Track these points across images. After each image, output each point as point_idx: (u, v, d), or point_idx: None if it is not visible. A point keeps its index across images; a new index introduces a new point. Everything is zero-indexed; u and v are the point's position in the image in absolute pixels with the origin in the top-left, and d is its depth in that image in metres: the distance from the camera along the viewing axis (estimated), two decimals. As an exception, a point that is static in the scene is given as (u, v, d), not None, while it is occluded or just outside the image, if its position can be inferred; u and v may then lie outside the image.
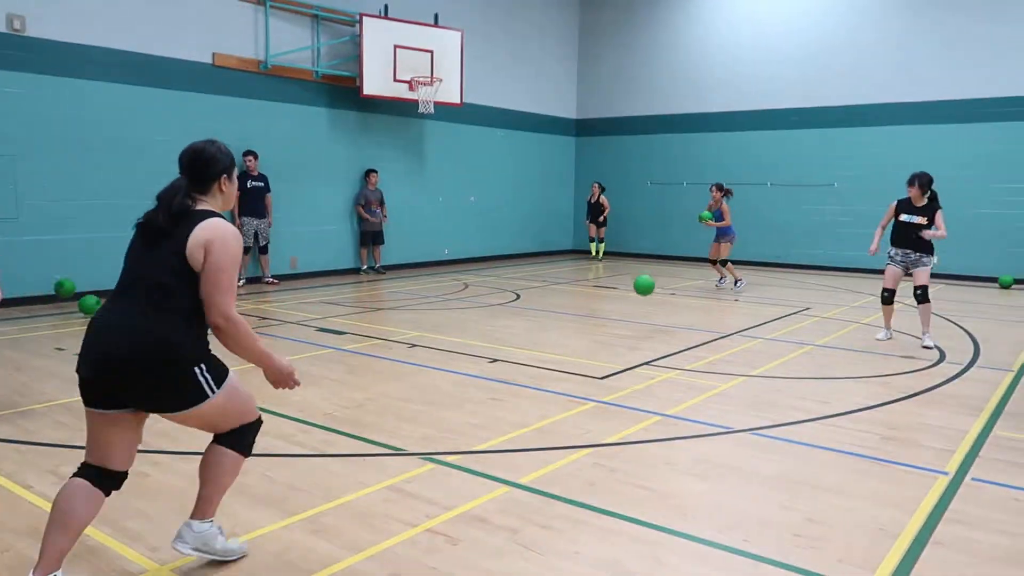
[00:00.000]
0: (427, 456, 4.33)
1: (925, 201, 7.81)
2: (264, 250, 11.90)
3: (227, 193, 2.96)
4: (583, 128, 18.74)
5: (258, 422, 3.03)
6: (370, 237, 13.52)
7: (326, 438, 4.64)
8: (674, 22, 17.02)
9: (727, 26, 16.31)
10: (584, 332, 8.31)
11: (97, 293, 10.08)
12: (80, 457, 4.23)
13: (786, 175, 15.73)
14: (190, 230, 2.74)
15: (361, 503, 3.66)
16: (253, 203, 11.54)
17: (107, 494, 2.86)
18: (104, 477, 2.83)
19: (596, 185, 16.90)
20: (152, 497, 3.72)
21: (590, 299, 11.07)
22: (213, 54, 11.29)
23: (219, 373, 2.82)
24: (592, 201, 16.84)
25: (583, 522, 3.49)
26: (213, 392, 2.79)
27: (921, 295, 7.68)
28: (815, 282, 13.36)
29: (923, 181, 7.81)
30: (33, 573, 2.68)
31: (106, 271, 10.42)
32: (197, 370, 2.75)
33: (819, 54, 15.16)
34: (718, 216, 11.83)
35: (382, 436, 4.67)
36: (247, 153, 11.48)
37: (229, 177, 2.95)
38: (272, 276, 12.11)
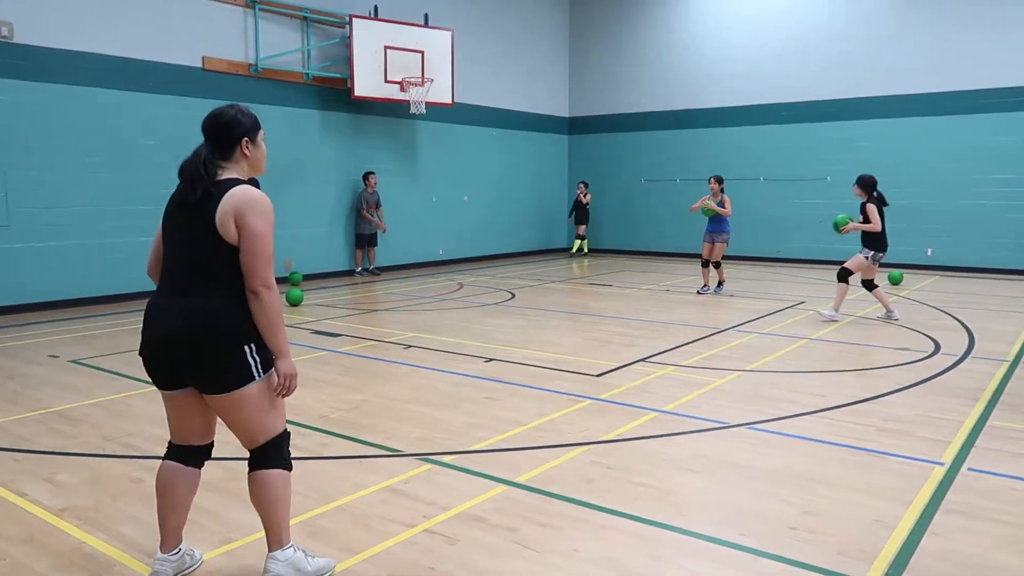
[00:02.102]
0: (424, 456, 4.32)
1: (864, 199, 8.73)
2: None
3: (252, 157, 2.85)
4: (575, 126, 18.75)
5: (288, 432, 2.93)
6: (365, 239, 13.50)
7: (322, 440, 4.62)
8: (664, 19, 17.04)
9: (717, 22, 16.33)
10: (579, 330, 8.30)
11: (93, 299, 10.06)
12: (75, 465, 4.23)
13: (779, 170, 15.76)
14: (218, 202, 2.67)
15: (358, 505, 3.65)
16: None
17: (199, 467, 2.95)
18: (192, 454, 2.92)
19: (583, 184, 17.29)
20: (148, 503, 3.70)
21: (585, 297, 11.07)
22: (203, 58, 11.26)
23: (266, 358, 2.76)
24: (580, 200, 17.26)
25: (581, 520, 3.49)
26: (260, 375, 2.73)
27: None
28: (809, 276, 13.38)
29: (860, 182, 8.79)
30: (161, 550, 2.91)
31: (99, 277, 10.48)
32: (247, 348, 2.70)
33: (809, 49, 15.19)
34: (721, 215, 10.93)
35: (378, 437, 4.66)
36: None
37: (252, 140, 2.84)
38: None
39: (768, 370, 6.39)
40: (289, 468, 2.90)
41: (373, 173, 13.44)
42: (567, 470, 4.10)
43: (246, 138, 2.81)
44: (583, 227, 17.46)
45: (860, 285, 9.01)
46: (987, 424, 4.89)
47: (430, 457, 4.31)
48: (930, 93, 14.04)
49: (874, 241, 8.59)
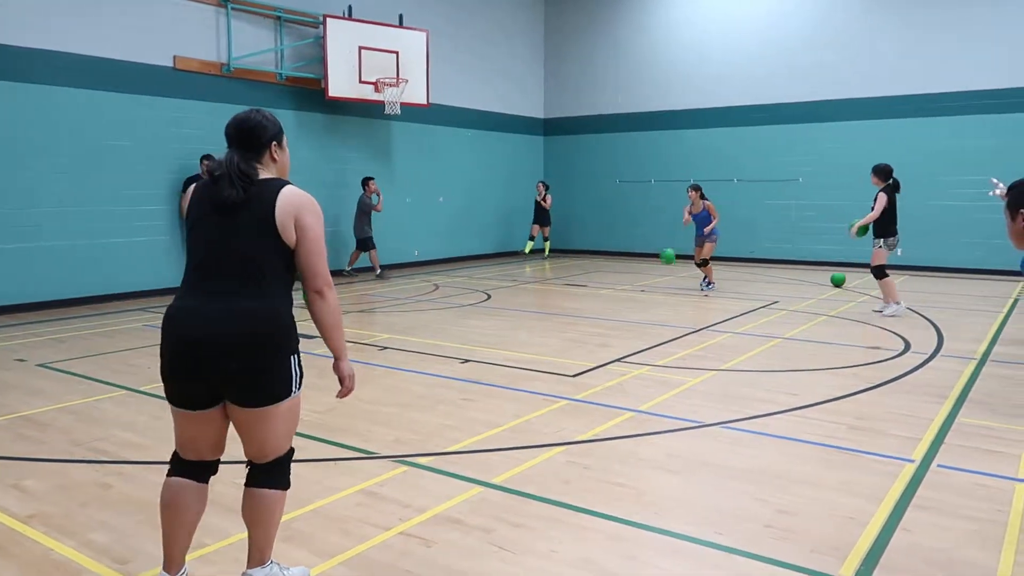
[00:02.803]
0: (399, 459, 4.30)
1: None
2: None
3: (280, 161, 2.81)
4: (551, 127, 18.78)
5: (292, 450, 2.83)
6: (365, 243, 13.28)
7: (297, 443, 4.55)
8: (639, 21, 17.13)
9: (692, 25, 16.45)
10: (555, 330, 8.32)
11: (61, 302, 9.89)
12: (43, 471, 4.14)
13: (752, 171, 15.91)
14: (273, 199, 2.59)
15: (333, 508, 3.63)
16: None
17: (208, 482, 2.80)
18: (202, 470, 2.76)
19: (541, 184, 16.79)
20: (117, 509, 3.65)
21: (561, 297, 11.09)
22: (174, 57, 11.12)
23: (302, 373, 2.72)
24: (539, 200, 16.65)
25: (557, 520, 3.49)
26: (296, 390, 2.68)
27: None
28: (782, 276, 13.53)
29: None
30: (167, 571, 2.72)
31: (68, 280, 10.30)
32: (293, 359, 2.65)
33: (782, 52, 15.35)
34: (705, 216, 11.32)
35: (353, 440, 4.63)
36: (205, 157, 11.25)
37: (279, 144, 2.81)
38: None
39: (742, 369, 6.45)
40: (288, 487, 2.80)
41: (372, 179, 13.27)
42: (543, 471, 4.10)
43: (274, 142, 2.78)
44: (538, 227, 16.78)
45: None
46: (956, 421, 4.97)
47: (406, 459, 4.29)
48: (901, 95, 14.26)
49: (880, 228, 8.89)
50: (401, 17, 14.06)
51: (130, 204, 10.58)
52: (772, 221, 15.78)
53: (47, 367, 6.62)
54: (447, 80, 15.56)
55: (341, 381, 2.81)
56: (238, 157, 2.65)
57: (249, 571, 2.77)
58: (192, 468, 2.74)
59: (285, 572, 2.85)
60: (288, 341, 2.64)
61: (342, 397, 2.86)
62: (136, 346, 7.54)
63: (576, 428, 4.84)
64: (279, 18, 12.52)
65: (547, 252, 17.38)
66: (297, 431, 4.73)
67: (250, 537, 2.77)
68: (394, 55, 13.59)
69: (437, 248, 15.98)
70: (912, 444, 4.52)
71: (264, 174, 2.71)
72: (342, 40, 12.89)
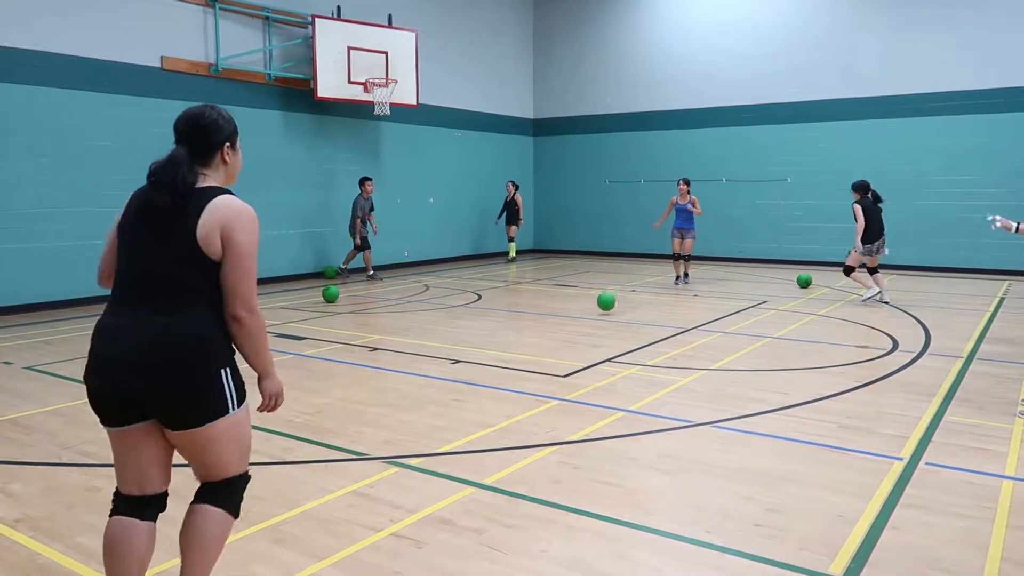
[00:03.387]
0: (390, 460, 4.29)
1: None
2: None
3: (231, 164, 2.60)
4: (540, 128, 18.80)
5: (248, 476, 2.61)
6: (365, 243, 13.16)
7: (286, 445, 4.56)
8: (628, 21, 17.17)
9: (681, 25, 16.50)
10: (546, 331, 8.32)
11: (47, 304, 9.81)
12: (29, 474, 4.12)
13: (741, 171, 15.98)
14: (199, 211, 2.37)
15: (324, 510, 3.61)
16: None
17: (156, 520, 2.53)
18: (148, 506, 2.50)
19: (511, 184, 16.14)
20: (104, 512, 3.59)
21: (551, 298, 11.10)
22: (161, 57, 11.06)
23: (240, 388, 2.47)
24: (508, 200, 16.07)
25: (548, 520, 3.49)
26: (235, 407, 2.44)
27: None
28: (771, 276, 13.58)
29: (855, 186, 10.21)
30: None
31: (52, 282, 10.22)
32: (223, 374, 2.40)
33: (770, 52, 15.42)
34: (687, 208, 12.01)
35: (344, 441, 4.61)
36: None
37: (232, 146, 2.59)
38: None
39: (732, 369, 6.47)
40: (236, 515, 2.59)
41: (370, 179, 13.04)
42: (534, 471, 4.10)
43: (227, 143, 2.57)
44: (514, 228, 16.20)
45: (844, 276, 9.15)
46: (943, 419, 5.00)
47: (396, 460, 4.28)
48: (887, 96, 14.35)
49: (864, 236, 9.93)
50: (390, 17, 14.04)
51: (115, 205, 10.42)
52: (761, 221, 15.85)
53: (34, 370, 6.57)
54: (436, 80, 15.55)
55: (266, 398, 2.58)
56: (186, 163, 2.44)
57: None
58: (137, 504, 2.48)
59: None
60: (212, 357, 2.39)
61: (262, 411, 2.62)
62: (124, 348, 7.48)
63: (567, 428, 4.84)
64: (267, 18, 12.48)
65: (513, 254, 16.44)
66: (287, 433, 4.74)
67: (183, 564, 2.50)
68: (383, 55, 13.57)
69: (427, 249, 15.96)
70: (900, 442, 4.54)
71: (209, 180, 2.51)
72: (331, 40, 12.86)
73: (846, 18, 14.64)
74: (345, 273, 13.45)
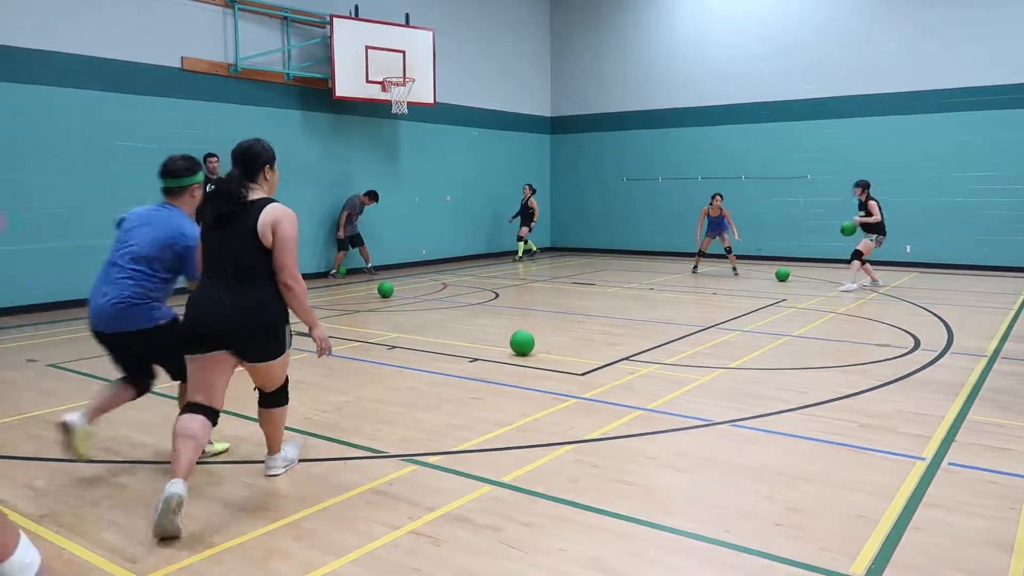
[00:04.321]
0: (408, 458, 4.31)
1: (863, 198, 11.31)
2: None
3: (271, 181, 3.76)
4: (557, 126, 18.77)
5: (287, 378, 3.93)
6: (347, 242, 13.32)
7: (306, 442, 4.59)
8: (644, 18, 17.10)
9: (697, 22, 16.42)
10: (563, 329, 8.31)
11: (71, 303, 9.94)
12: (54, 470, 4.18)
13: (759, 168, 15.87)
14: (257, 215, 3.54)
15: (343, 507, 3.63)
16: None
17: (213, 423, 3.63)
18: (208, 411, 3.62)
19: (528, 187, 16.33)
20: (128, 508, 3.66)
21: (568, 296, 11.09)
22: (182, 58, 11.16)
23: (290, 336, 3.78)
24: (524, 202, 16.24)
25: (566, 519, 3.49)
26: (287, 348, 3.75)
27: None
28: (791, 274, 13.46)
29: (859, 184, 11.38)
30: (174, 477, 3.34)
31: (77, 280, 10.32)
32: (281, 327, 3.67)
33: (788, 48, 15.31)
34: (720, 220, 13.22)
35: (362, 439, 4.64)
36: (209, 155, 11.26)
37: (271, 167, 3.75)
38: None
39: (751, 367, 6.43)
40: (287, 403, 3.96)
41: (377, 196, 13.33)
42: (552, 469, 4.10)
43: (267, 165, 3.73)
44: (526, 229, 16.39)
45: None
46: (967, 419, 4.95)
47: (415, 458, 4.30)
48: (908, 92, 14.20)
49: (876, 228, 11.15)
50: (407, 16, 14.08)
51: (137, 204, 10.54)
52: (779, 218, 15.73)
53: (58, 367, 6.66)
54: (453, 79, 15.57)
55: (317, 342, 3.83)
56: (237, 180, 3.61)
57: (269, 456, 4.02)
58: (197, 408, 3.59)
59: (288, 450, 4.11)
60: (275, 319, 3.63)
61: (320, 355, 3.86)
62: (145, 346, 7.57)
63: (584, 427, 4.83)
64: (286, 18, 12.56)
65: (520, 253, 16.57)
66: (306, 431, 4.79)
67: (267, 437, 3.99)
68: (400, 55, 13.61)
69: (444, 247, 16.00)
70: (923, 442, 4.50)
71: (257, 192, 3.67)
72: (349, 40, 12.92)
73: (863, 14, 14.49)
74: (340, 276, 13.43)
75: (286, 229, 3.57)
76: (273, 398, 3.88)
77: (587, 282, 12.58)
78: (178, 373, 4.10)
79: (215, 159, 11.27)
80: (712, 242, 13.50)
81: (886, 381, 5.91)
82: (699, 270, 13.81)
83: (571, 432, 4.73)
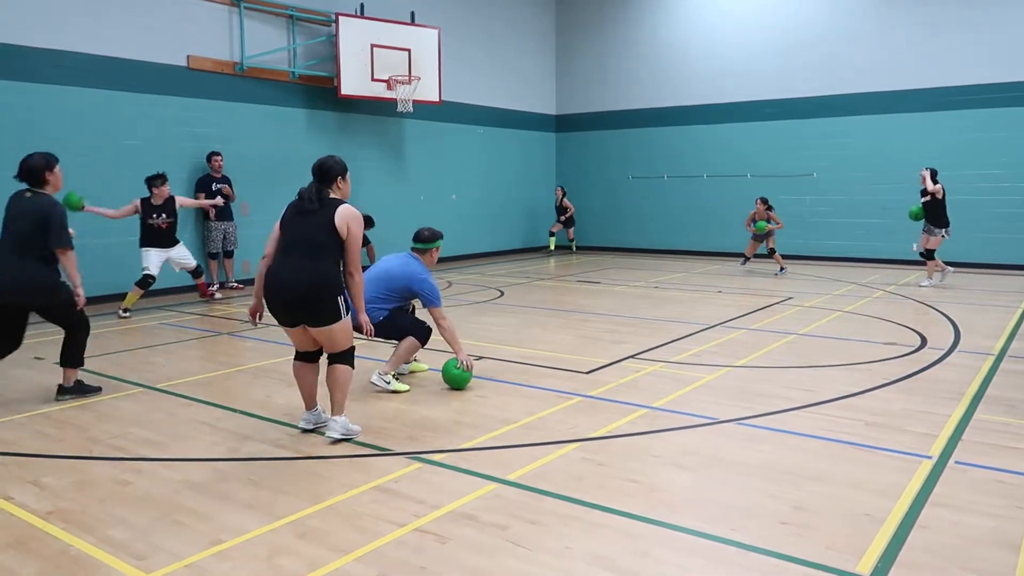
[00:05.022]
0: (414, 455, 4.31)
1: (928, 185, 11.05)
2: (230, 255, 11.58)
3: (343, 189, 4.59)
4: (563, 124, 18.75)
5: (354, 346, 4.56)
6: None
7: (312, 440, 4.60)
8: (650, 16, 17.06)
9: (703, 19, 16.37)
10: (569, 327, 8.31)
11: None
12: (61, 468, 4.20)
13: (765, 166, 15.82)
14: (335, 209, 4.35)
15: (348, 504, 3.64)
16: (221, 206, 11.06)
17: (316, 362, 4.68)
18: (309, 357, 4.66)
19: (559, 188, 17.62)
20: (135, 505, 3.68)
21: (574, 294, 11.08)
22: (187, 56, 11.17)
23: (348, 304, 4.47)
24: (557, 204, 17.60)
25: (572, 517, 3.49)
26: (345, 314, 4.41)
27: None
28: (796, 272, 13.44)
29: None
30: (305, 412, 4.76)
31: (85, 277, 10.26)
32: (340, 298, 4.37)
33: (794, 46, 15.25)
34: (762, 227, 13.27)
35: (368, 436, 4.64)
36: (213, 154, 11.25)
37: (343, 177, 4.60)
38: (235, 281, 11.78)
39: (757, 366, 6.42)
40: (352, 366, 4.55)
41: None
42: (557, 467, 4.10)
43: (339, 176, 4.58)
44: (558, 225, 17.78)
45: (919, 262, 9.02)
46: (973, 418, 4.93)
47: (420, 456, 4.31)
48: (913, 90, 14.13)
49: (941, 222, 11.03)
50: (413, 15, 14.07)
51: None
52: (785, 216, 15.64)
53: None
54: (459, 77, 15.56)
55: (364, 326, 4.56)
56: (315, 186, 4.46)
57: (334, 417, 4.54)
58: (303, 356, 4.65)
59: (351, 425, 4.60)
60: (334, 289, 4.34)
61: (369, 335, 4.70)
62: (152, 344, 7.60)
63: (590, 425, 4.83)
64: (291, 17, 12.56)
65: (552, 247, 17.91)
66: (311, 428, 4.79)
67: (331, 397, 4.53)
68: (406, 53, 13.60)
69: (450, 245, 15.91)
70: (929, 440, 4.48)
71: (335, 194, 4.52)
72: (354, 38, 12.92)
73: (872, 10, 14.43)
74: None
75: (356, 230, 4.39)
76: (338, 357, 4.48)
77: (593, 280, 12.57)
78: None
79: (219, 157, 11.29)
80: (759, 246, 13.48)
81: (893, 380, 5.89)
82: (747, 264, 13.93)
83: (577, 430, 4.73)
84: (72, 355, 5.57)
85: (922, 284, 11.33)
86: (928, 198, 11.02)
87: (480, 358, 6.76)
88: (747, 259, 13.80)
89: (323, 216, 4.32)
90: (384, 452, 4.38)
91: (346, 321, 4.43)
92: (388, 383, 5.64)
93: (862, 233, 14.80)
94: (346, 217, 4.35)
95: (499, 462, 4.20)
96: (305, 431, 4.68)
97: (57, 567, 3.08)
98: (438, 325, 5.63)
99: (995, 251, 13.56)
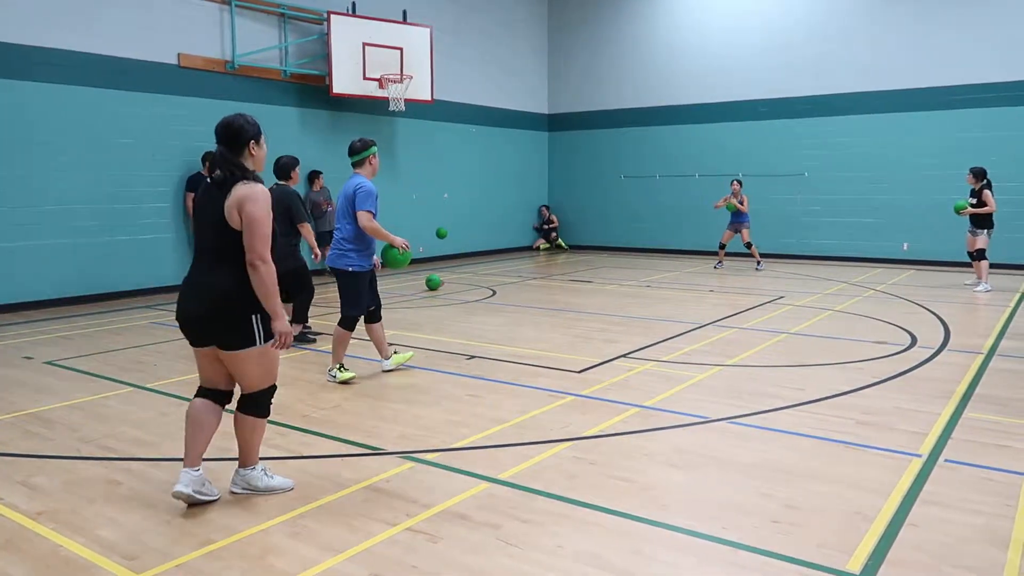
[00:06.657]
0: (406, 455, 4.31)
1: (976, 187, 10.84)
2: None
3: (257, 156, 3.57)
4: (555, 123, 18.76)
5: (273, 387, 3.68)
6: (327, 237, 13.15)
7: (303, 440, 4.59)
8: (642, 15, 17.09)
9: (695, 19, 16.40)
10: (561, 326, 8.32)
11: (67, 300, 9.92)
12: (51, 468, 4.18)
13: (757, 166, 15.86)
14: (225, 197, 3.40)
15: (340, 504, 3.63)
16: None
17: (222, 407, 3.67)
18: (217, 395, 3.65)
19: (545, 208, 18.36)
20: (125, 505, 3.66)
21: (566, 293, 11.09)
22: (179, 55, 11.13)
23: (268, 332, 3.49)
24: (544, 221, 18.32)
25: (564, 516, 3.49)
26: (260, 342, 3.47)
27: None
28: (787, 271, 13.49)
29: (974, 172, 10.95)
30: (184, 466, 3.54)
31: (72, 278, 10.34)
32: (253, 318, 3.45)
33: (786, 46, 15.29)
34: (743, 215, 13.45)
35: (360, 436, 4.64)
36: (207, 155, 11.21)
37: (257, 142, 3.58)
38: None
39: (748, 365, 6.44)
40: (264, 416, 3.68)
41: (320, 172, 12.67)
42: (549, 466, 4.11)
43: (252, 140, 3.56)
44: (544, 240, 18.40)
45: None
46: (963, 416, 4.96)
47: (412, 455, 4.30)
48: (905, 89, 14.19)
49: (990, 220, 10.69)
50: (405, 13, 14.05)
51: (134, 202, 10.60)
52: (776, 215, 15.73)
53: (54, 364, 6.65)
54: (451, 76, 15.55)
55: (276, 336, 3.49)
56: (220, 157, 3.50)
57: (240, 470, 3.73)
58: (209, 393, 3.64)
59: (269, 477, 3.75)
60: (239, 306, 3.42)
61: (278, 348, 3.53)
62: (143, 343, 7.57)
63: (582, 424, 4.84)
64: (283, 15, 12.52)
65: (565, 246, 18.25)
66: (304, 428, 4.78)
67: (239, 446, 3.72)
68: (398, 51, 13.58)
69: (442, 244, 15.96)
70: (919, 439, 4.51)
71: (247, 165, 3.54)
72: (346, 37, 12.89)
73: (864, 9, 14.48)
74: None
75: (251, 208, 3.34)
76: (249, 401, 3.63)
77: (584, 279, 12.58)
78: None
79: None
80: (744, 233, 13.53)
81: (883, 378, 5.92)
82: (722, 266, 13.93)
83: (569, 429, 4.73)
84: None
85: (976, 288, 10.68)
86: (975, 200, 10.76)
87: (472, 357, 6.76)
88: (720, 262, 13.97)
89: (216, 205, 3.41)
90: (376, 451, 4.38)
91: (263, 350, 3.50)
92: (335, 377, 5.80)
93: (853, 232, 14.86)
94: (237, 200, 3.36)
95: (491, 461, 4.20)
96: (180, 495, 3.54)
97: (47, 567, 3.07)
98: (362, 227, 5.76)
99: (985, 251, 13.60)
